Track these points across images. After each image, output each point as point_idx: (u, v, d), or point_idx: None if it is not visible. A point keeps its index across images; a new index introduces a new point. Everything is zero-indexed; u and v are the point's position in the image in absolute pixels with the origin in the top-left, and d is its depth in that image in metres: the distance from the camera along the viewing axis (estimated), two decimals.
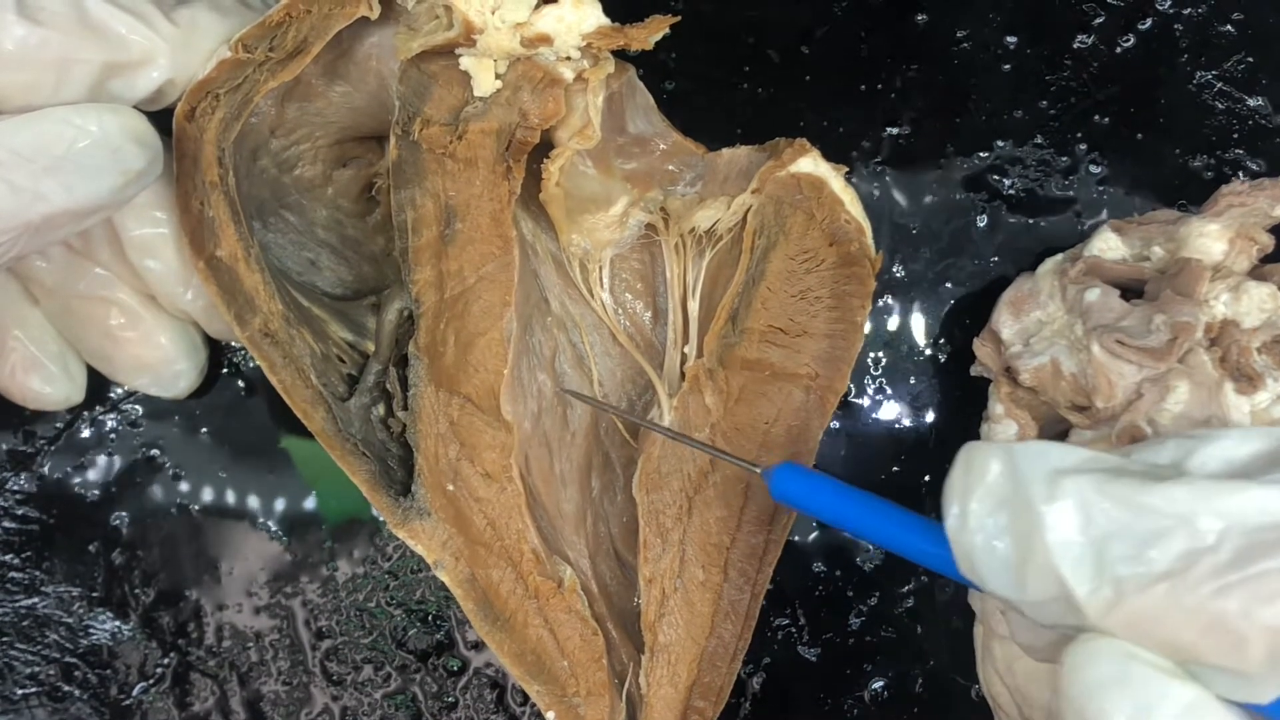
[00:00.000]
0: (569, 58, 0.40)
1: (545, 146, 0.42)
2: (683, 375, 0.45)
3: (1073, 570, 0.28)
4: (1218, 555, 0.27)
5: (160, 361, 0.45)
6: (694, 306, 0.46)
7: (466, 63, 0.40)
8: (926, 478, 0.49)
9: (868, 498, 0.36)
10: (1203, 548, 0.27)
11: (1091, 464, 0.29)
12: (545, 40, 0.39)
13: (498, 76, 0.40)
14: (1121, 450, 0.31)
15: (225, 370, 0.50)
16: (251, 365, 0.49)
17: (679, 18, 0.40)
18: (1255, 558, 0.26)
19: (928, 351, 0.49)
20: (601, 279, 0.46)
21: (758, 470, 0.39)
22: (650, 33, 0.40)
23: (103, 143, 0.36)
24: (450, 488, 0.43)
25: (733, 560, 0.44)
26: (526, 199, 0.44)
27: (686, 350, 0.46)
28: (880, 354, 0.50)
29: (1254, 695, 0.27)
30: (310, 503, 0.50)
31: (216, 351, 0.48)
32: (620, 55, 0.42)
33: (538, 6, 0.39)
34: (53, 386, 0.45)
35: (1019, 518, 0.29)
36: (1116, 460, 0.30)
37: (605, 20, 0.39)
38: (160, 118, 0.40)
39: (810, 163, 0.42)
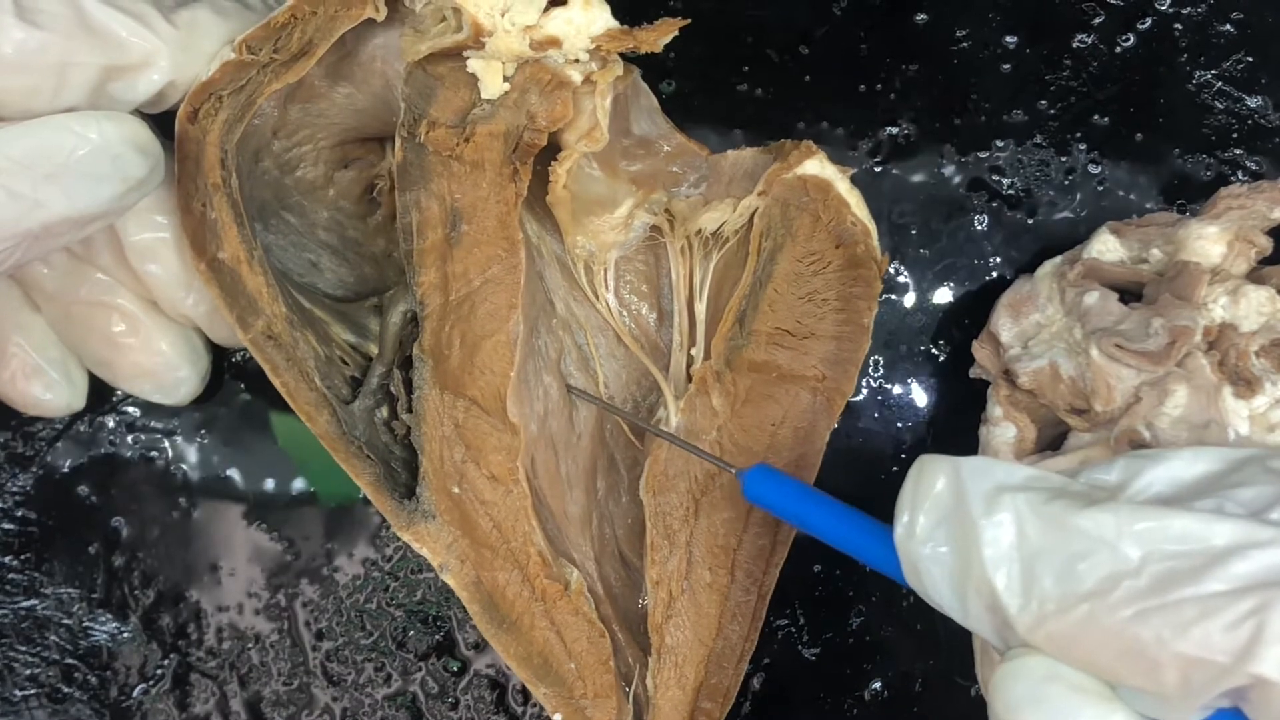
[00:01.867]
0: (577, 60, 0.40)
1: (551, 148, 0.42)
2: (689, 377, 0.45)
3: (1005, 585, 0.29)
4: (1137, 580, 0.27)
5: (162, 368, 0.44)
6: (701, 308, 0.46)
7: (474, 65, 0.40)
8: None
9: (833, 503, 0.37)
10: (1124, 571, 0.27)
11: (1034, 483, 0.30)
12: (554, 43, 0.39)
13: (505, 79, 0.40)
14: (1070, 470, 0.32)
15: (225, 372, 0.49)
16: (251, 366, 0.49)
17: (689, 20, 0.40)
18: (1172, 585, 0.27)
19: (927, 352, 0.50)
20: (606, 281, 0.46)
21: (733, 471, 0.40)
22: (659, 35, 0.39)
23: (103, 150, 0.36)
24: (455, 490, 0.43)
25: (739, 562, 0.44)
26: (531, 201, 0.44)
27: (693, 352, 0.46)
28: (880, 354, 0.50)
29: (1173, 717, 0.28)
30: (311, 504, 0.50)
31: (217, 356, 0.48)
32: (622, 56, 0.41)
33: (547, 9, 0.39)
34: (54, 393, 0.45)
35: (960, 531, 0.30)
36: (1060, 480, 0.31)
37: (614, 23, 0.39)
38: (162, 119, 0.40)
39: (816, 165, 0.42)
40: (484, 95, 0.41)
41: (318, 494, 0.50)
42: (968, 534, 0.29)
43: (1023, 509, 0.29)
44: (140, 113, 0.40)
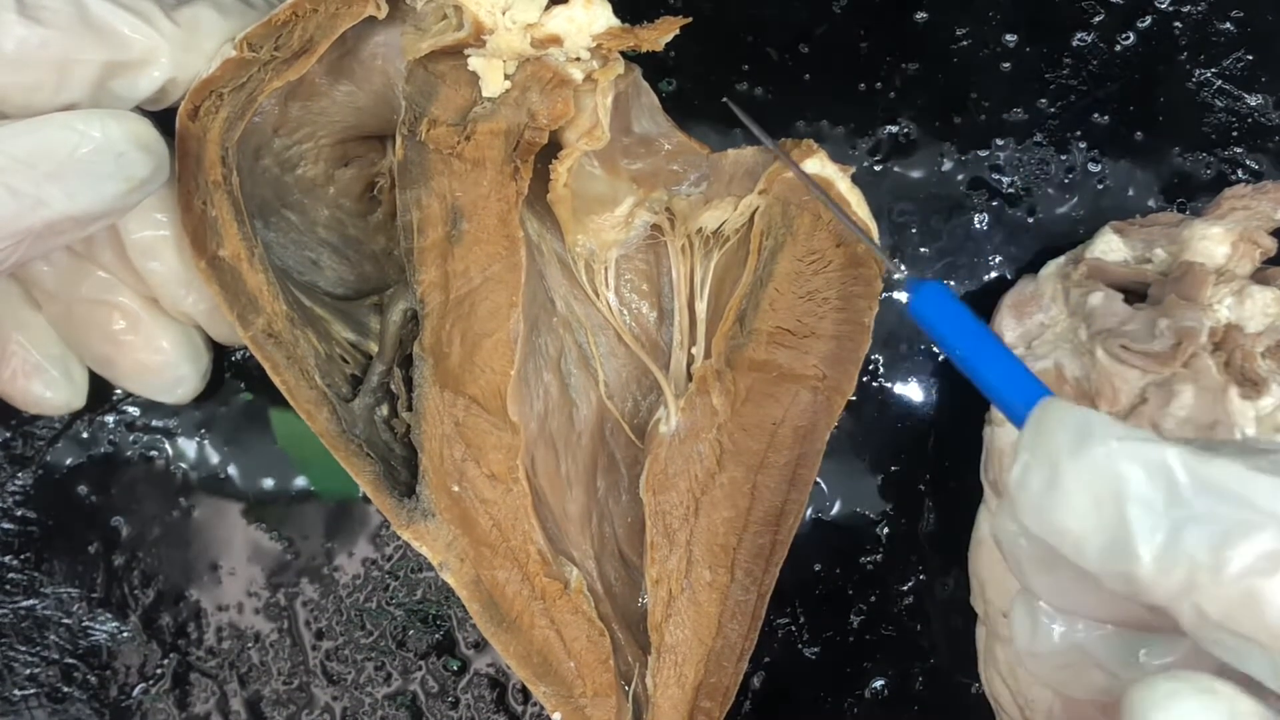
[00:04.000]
0: (578, 58, 0.40)
1: (551, 147, 0.42)
2: (689, 376, 0.45)
3: (1150, 553, 0.26)
4: None
5: (162, 366, 0.44)
6: (701, 307, 0.45)
7: (475, 63, 0.40)
8: (927, 476, 0.49)
9: (1003, 350, 0.33)
10: None
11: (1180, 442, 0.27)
12: (555, 41, 0.39)
13: (507, 77, 0.40)
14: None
15: (226, 370, 0.49)
16: (252, 364, 0.49)
17: (689, 19, 0.40)
18: None
19: (928, 351, 0.50)
20: (607, 279, 0.46)
21: (900, 275, 0.36)
22: (660, 34, 0.39)
23: (106, 149, 0.36)
24: (455, 489, 0.43)
25: (739, 561, 0.44)
26: (531, 199, 0.44)
27: (693, 351, 0.46)
28: (880, 353, 0.50)
29: None
30: (310, 503, 0.50)
31: (217, 354, 0.48)
32: (623, 55, 0.41)
33: (548, 7, 0.39)
34: (54, 391, 0.45)
35: (1092, 480, 0.27)
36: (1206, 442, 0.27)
37: (615, 21, 0.39)
38: (163, 117, 0.40)
39: (817, 163, 0.42)
40: (485, 93, 0.41)
41: (318, 493, 0.50)
42: (1102, 484, 0.26)
43: (1174, 464, 0.26)
44: (141, 110, 0.40)
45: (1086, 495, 0.27)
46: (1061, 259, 0.46)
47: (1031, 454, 0.28)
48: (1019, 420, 0.32)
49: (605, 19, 0.39)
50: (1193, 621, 0.26)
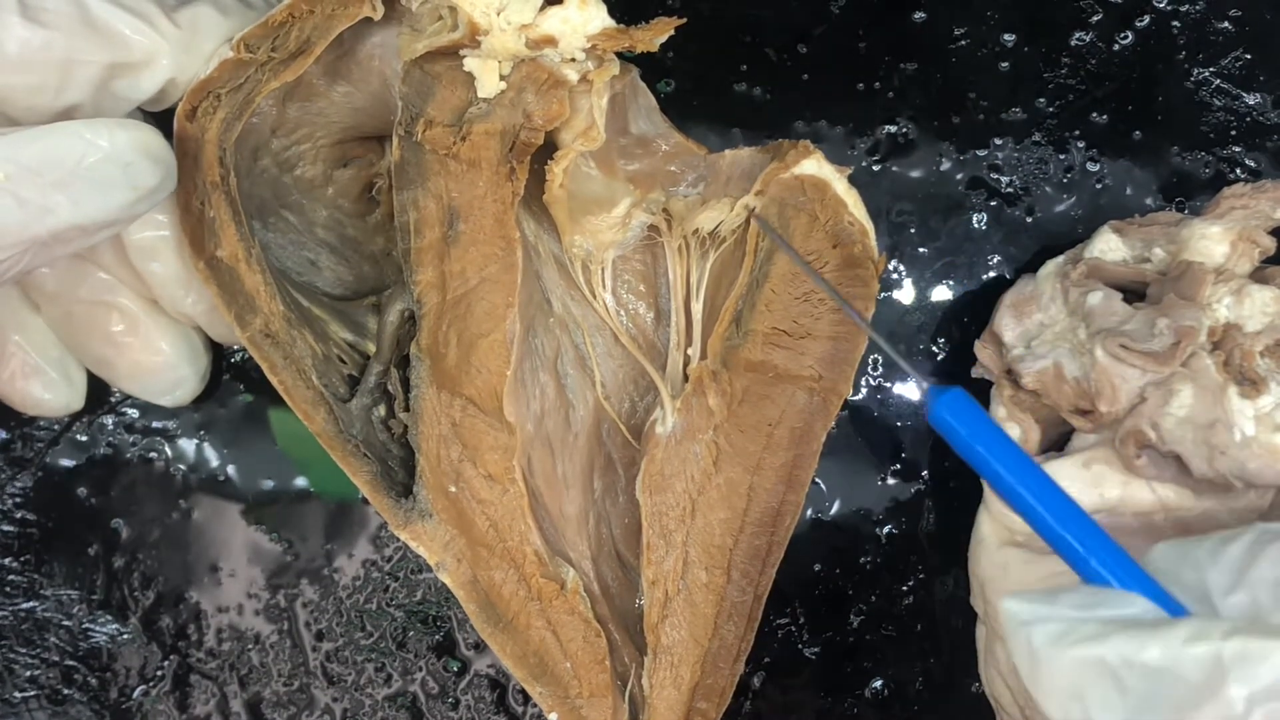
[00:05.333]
0: (573, 59, 0.40)
1: (548, 147, 0.42)
2: (686, 377, 0.45)
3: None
4: None
5: (162, 367, 0.44)
6: (697, 308, 0.46)
7: (471, 64, 0.40)
8: (927, 476, 0.49)
9: (1029, 465, 0.34)
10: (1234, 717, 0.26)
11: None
12: (550, 42, 0.39)
13: (502, 78, 0.40)
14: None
15: (225, 372, 0.49)
16: (251, 365, 0.49)
17: (685, 19, 0.40)
18: None
19: (927, 350, 0.50)
20: (604, 280, 0.46)
21: (926, 385, 0.36)
22: (655, 34, 0.39)
23: (113, 158, 0.35)
24: (452, 489, 0.43)
25: (736, 562, 0.44)
26: (528, 200, 0.44)
27: (690, 352, 0.46)
28: (879, 353, 0.50)
29: None
30: (310, 504, 0.50)
31: (216, 355, 0.48)
32: (620, 55, 0.42)
33: (543, 8, 0.39)
34: (53, 393, 0.45)
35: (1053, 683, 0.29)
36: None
37: (610, 22, 0.39)
38: (162, 119, 0.40)
39: (814, 164, 0.42)
40: (480, 94, 0.41)
41: (318, 494, 0.50)
42: (1064, 690, 0.29)
43: (1123, 674, 0.28)
44: (144, 111, 0.40)
45: (1052, 700, 0.29)
46: (1060, 258, 0.45)
47: (1009, 650, 0.30)
48: (1047, 536, 0.33)
49: (600, 20, 0.39)
50: None
